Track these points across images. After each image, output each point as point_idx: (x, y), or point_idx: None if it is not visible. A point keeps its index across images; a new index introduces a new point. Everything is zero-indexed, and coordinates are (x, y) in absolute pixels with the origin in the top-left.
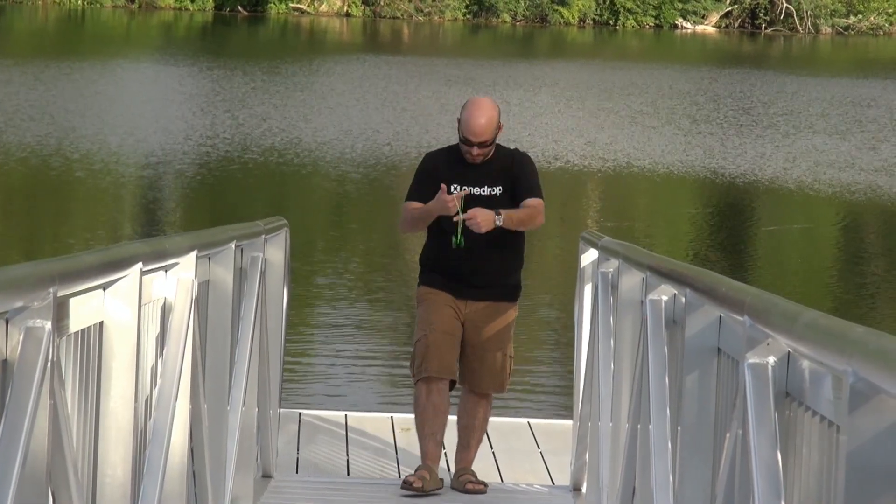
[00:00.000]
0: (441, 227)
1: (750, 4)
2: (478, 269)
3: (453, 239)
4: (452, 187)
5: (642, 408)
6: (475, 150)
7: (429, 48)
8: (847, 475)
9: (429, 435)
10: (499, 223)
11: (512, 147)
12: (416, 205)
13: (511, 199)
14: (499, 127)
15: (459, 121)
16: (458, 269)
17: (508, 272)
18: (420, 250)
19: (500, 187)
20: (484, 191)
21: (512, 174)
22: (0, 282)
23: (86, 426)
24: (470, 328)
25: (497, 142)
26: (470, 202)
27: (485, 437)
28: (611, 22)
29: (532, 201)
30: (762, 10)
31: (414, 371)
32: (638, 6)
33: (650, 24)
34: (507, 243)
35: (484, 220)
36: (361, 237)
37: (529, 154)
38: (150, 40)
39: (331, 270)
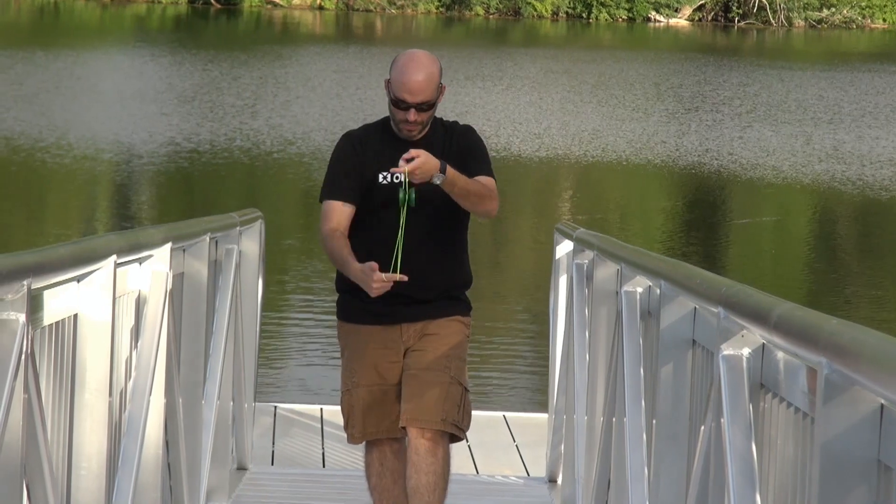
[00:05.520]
0: (361, 241)
1: None
2: (415, 282)
3: (400, 194)
4: (381, 175)
5: (617, 399)
6: (412, 115)
7: (402, 40)
8: (821, 466)
9: None
10: (436, 181)
11: (450, 120)
12: (340, 207)
13: None
14: (440, 88)
15: (389, 81)
16: (387, 290)
17: (451, 286)
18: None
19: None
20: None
21: (455, 154)
22: None
23: (60, 419)
24: (408, 352)
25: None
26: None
27: None
28: (584, 15)
29: (484, 178)
30: (735, 4)
31: (346, 428)
32: None
33: (623, 17)
34: (448, 248)
35: (423, 168)
36: None
37: (480, 133)
38: (123, 33)
39: (306, 262)
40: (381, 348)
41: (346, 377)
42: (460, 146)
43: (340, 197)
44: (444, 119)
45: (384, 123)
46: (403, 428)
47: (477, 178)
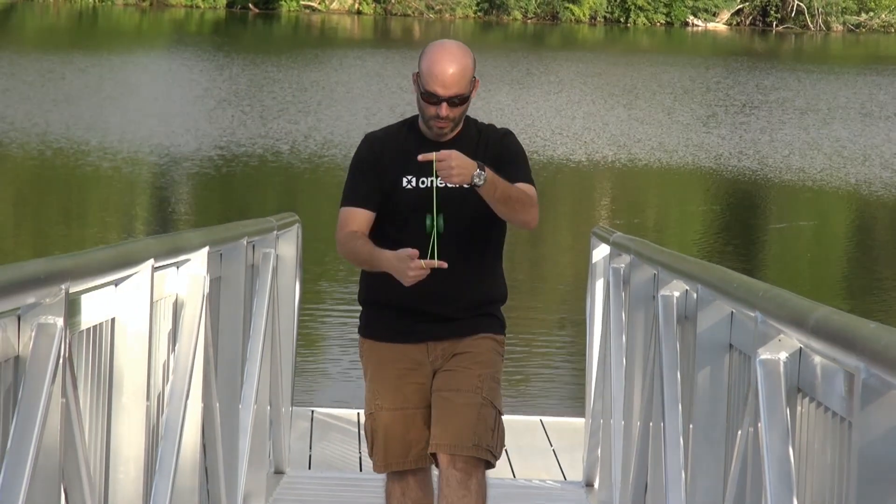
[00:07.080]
0: (389, 240)
1: (761, 2)
2: (443, 297)
3: (428, 221)
4: (405, 179)
5: (654, 403)
6: (444, 110)
7: None
8: (859, 471)
9: None
10: (478, 181)
11: (486, 122)
12: (359, 213)
13: None
14: (474, 82)
15: (418, 74)
16: (414, 303)
17: (485, 302)
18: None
19: None
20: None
21: (489, 159)
22: (12, 278)
23: (98, 423)
24: (437, 373)
25: (468, 113)
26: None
27: None
28: (621, 19)
29: (523, 185)
30: (773, 8)
31: (370, 455)
32: (649, 4)
33: (661, 21)
34: (481, 262)
35: (460, 167)
36: None
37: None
38: (162, 37)
39: (343, 267)
40: (406, 368)
41: (369, 399)
42: (495, 152)
43: (357, 203)
44: (479, 121)
45: (408, 123)
46: (432, 455)
47: (517, 184)
